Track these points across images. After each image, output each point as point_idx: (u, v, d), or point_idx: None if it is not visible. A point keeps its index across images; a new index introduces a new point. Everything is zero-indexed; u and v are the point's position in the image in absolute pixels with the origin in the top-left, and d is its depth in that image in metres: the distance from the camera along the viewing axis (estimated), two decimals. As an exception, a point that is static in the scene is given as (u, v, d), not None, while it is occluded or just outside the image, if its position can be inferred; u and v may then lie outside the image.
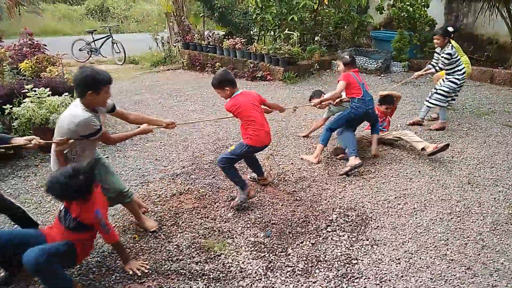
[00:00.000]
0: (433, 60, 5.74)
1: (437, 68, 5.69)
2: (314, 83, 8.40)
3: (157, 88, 7.75)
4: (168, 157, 4.58)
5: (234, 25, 9.82)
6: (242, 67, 8.75)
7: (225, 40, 9.41)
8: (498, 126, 5.97)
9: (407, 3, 8.66)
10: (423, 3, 8.69)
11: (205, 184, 4.07)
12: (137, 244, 3.10)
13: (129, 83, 8.18)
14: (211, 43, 9.38)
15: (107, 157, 4.53)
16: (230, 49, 9.03)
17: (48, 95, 4.58)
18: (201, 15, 10.12)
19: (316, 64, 8.88)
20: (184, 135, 5.30)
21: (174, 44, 10.39)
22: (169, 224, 3.39)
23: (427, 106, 5.81)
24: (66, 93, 4.69)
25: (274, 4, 8.86)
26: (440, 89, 5.63)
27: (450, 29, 5.42)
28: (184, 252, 3.05)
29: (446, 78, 5.63)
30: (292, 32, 8.83)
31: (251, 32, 10.25)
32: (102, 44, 11.28)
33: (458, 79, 5.54)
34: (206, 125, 5.72)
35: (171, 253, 3.02)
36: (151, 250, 3.04)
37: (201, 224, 3.40)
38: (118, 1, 18.93)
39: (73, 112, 2.69)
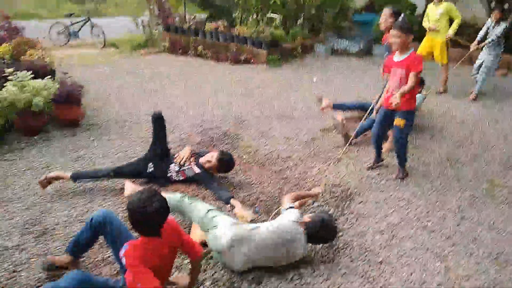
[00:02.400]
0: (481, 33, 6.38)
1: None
2: (298, 66, 8.46)
3: (138, 72, 7.65)
4: (154, 139, 4.58)
5: (216, 7, 9.73)
6: (225, 51, 8.71)
7: (207, 23, 9.32)
8: (477, 105, 6.18)
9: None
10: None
11: (192, 164, 4.10)
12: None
13: (110, 68, 8.03)
14: (192, 27, 9.28)
15: (93, 140, 4.50)
16: (212, 32, 8.96)
17: (30, 79, 4.50)
18: (182, -3, 9.98)
19: (299, 47, 8.91)
20: (169, 118, 5.26)
21: (155, 28, 10.23)
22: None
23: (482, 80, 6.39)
24: (48, 77, 4.62)
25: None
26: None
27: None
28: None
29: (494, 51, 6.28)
30: (274, 15, 8.82)
31: (234, 14, 10.18)
32: (80, 28, 10.98)
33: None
34: (191, 108, 5.72)
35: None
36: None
37: (191, 203, 3.45)
38: (95, -16, 18.37)
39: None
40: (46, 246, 2.79)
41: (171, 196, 2.86)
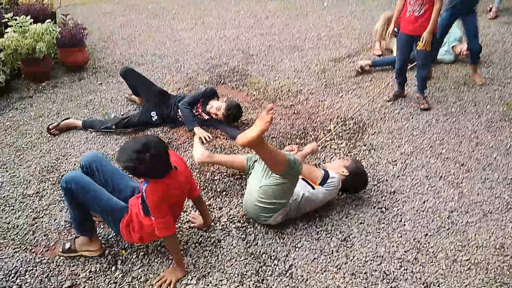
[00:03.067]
0: None
1: None
2: (306, -9, 7.97)
3: (141, 8, 7.35)
4: (162, 80, 4.50)
5: None
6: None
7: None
8: (497, 24, 5.82)
9: None
10: None
11: (202, 103, 4.06)
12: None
13: (111, 5, 7.72)
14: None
15: (100, 83, 4.46)
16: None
17: (31, 23, 4.36)
18: None
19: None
20: (175, 56, 5.16)
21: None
22: (172, 145, 3.45)
23: None
24: (48, 20, 4.47)
25: None
26: None
27: None
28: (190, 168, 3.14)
29: None
30: None
31: None
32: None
33: None
34: (197, 44, 5.55)
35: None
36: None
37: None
38: None
39: None
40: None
41: None
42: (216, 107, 3.51)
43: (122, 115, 3.81)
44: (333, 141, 3.45)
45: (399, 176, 3.00)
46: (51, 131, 3.51)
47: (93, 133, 3.55)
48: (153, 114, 3.61)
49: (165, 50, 5.36)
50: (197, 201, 2.48)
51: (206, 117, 3.59)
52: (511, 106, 3.79)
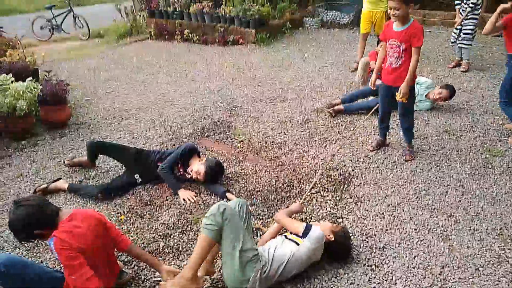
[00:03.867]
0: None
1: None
2: (288, 43, 8.24)
3: (126, 62, 7.46)
4: (145, 134, 4.47)
5: (199, -13, 9.39)
6: (212, 32, 8.48)
7: (191, 4, 9.04)
8: (471, 71, 6.03)
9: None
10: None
11: (186, 158, 4.00)
12: (123, 226, 3.06)
13: (97, 59, 7.84)
14: (177, 9, 8.99)
15: (82, 140, 4.39)
16: (198, 14, 8.70)
17: (12, 82, 4.35)
18: (164, -20, 9.62)
19: (288, 23, 8.68)
20: (159, 109, 5.17)
21: (139, 13, 9.95)
22: (154, 203, 3.35)
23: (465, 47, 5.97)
24: (30, 78, 4.47)
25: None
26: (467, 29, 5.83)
27: None
28: (172, 228, 3.03)
29: (468, 18, 5.78)
30: (260, -9, 8.54)
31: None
32: (63, 20, 10.69)
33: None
34: (181, 97, 5.58)
35: (159, 231, 3.00)
36: (138, 230, 3.02)
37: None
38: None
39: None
40: (39, 260, 2.74)
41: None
42: (196, 171, 3.44)
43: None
44: (319, 193, 3.40)
45: (387, 229, 2.93)
46: (37, 194, 3.37)
47: (72, 198, 3.44)
48: (137, 176, 3.53)
49: (149, 104, 5.37)
50: (131, 253, 2.48)
51: (189, 176, 3.53)
52: (493, 152, 3.83)
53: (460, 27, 5.91)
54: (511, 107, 3.99)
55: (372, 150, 3.99)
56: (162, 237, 2.94)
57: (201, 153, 3.76)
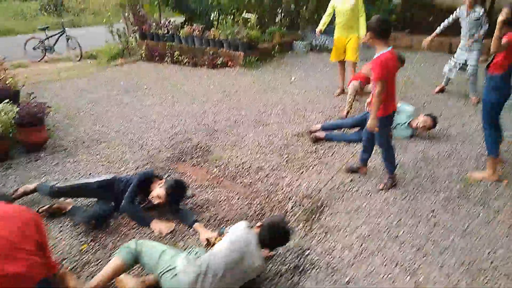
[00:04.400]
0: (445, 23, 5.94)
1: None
2: (276, 66, 8.30)
3: (114, 84, 7.48)
4: (121, 159, 4.43)
5: (191, 11, 9.54)
6: (202, 55, 8.55)
7: (183, 27, 9.14)
8: (454, 97, 6.05)
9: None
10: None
11: (158, 184, 3.95)
12: (83, 256, 2.99)
13: (86, 81, 7.86)
14: (168, 32, 9.09)
15: (56, 164, 4.35)
16: (188, 37, 8.79)
17: (-11, 104, 4.34)
18: (156, 3, 9.78)
19: (277, 46, 8.76)
20: (139, 132, 5.15)
21: (131, 35, 10.05)
22: (120, 231, 3.29)
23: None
24: (6, 100, 4.46)
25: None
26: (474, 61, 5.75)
27: None
28: (135, 259, 2.96)
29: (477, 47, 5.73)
30: (249, 15, 8.65)
31: (211, 17, 9.99)
32: (56, 41, 10.78)
33: None
34: (164, 120, 5.57)
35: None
36: (99, 261, 2.94)
37: (153, 228, 3.32)
38: (73, -7, 18.13)
39: (263, 263, 2.60)
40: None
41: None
42: (156, 195, 3.34)
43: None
44: (289, 223, 3.33)
45: (354, 263, 2.86)
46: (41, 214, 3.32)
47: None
48: (111, 205, 3.45)
49: (130, 127, 5.35)
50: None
51: (156, 201, 3.46)
52: (468, 182, 3.78)
53: (462, 60, 5.82)
54: (492, 130, 3.79)
55: (348, 171, 3.94)
56: (123, 268, 2.86)
57: (161, 175, 3.69)
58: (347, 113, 5.41)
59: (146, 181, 3.44)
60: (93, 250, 3.07)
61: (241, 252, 2.49)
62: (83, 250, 3.05)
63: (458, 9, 5.75)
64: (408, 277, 2.71)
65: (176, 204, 3.41)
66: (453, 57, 5.95)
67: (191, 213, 3.41)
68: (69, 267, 2.86)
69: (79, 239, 3.19)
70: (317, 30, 6.23)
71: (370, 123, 3.40)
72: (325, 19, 6.04)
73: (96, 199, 3.53)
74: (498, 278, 2.67)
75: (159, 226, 3.26)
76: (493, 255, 2.88)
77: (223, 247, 2.51)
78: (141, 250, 2.48)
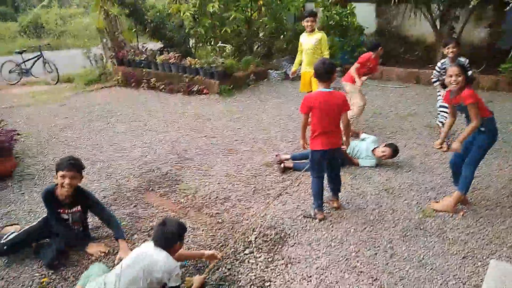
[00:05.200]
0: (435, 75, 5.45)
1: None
2: (250, 94, 8.47)
3: (87, 110, 7.50)
4: (89, 188, 4.42)
5: (168, 39, 9.71)
6: (178, 82, 8.67)
7: (161, 53, 9.29)
8: (420, 127, 6.29)
9: (334, 12, 8.93)
10: (348, 12, 9.00)
11: (124, 214, 3.96)
12: (43, 290, 2.97)
13: (59, 106, 7.86)
14: (144, 59, 9.21)
15: (23, 193, 4.32)
16: (165, 64, 8.92)
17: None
18: (133, 30, 9.92)
19: (252, 75, 8.96)
20: (109, 161, 5.16)
21: (109, 61, 10.13)
22: (81, 263, 3.28)
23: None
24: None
25: (207, 17, 8.87)
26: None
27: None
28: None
29: None
30: (225, 45, 8.87)
31: (189, 45, 10.19)
32: (33, 65, 10.78)
33: None
34: (134, 148, 5.61)
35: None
36: (58, 294, 2.93)
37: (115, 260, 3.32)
38: (53, 16, 18.17)
39: (168, 262, 2.69)
40: None
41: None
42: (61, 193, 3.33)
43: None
44: (252, 254, 3.39)
45: (311, 294, 2.93)
46: None
47: None
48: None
49: (100, 155, 5.37)
50: None
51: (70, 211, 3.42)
52: (426, 213, 3.93)
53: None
54: (474, 171, 3.81)
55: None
56: (81, 302, 2.85)
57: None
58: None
59: (50, 200, 3.35)
60: (54, 283, 3.05)
61: (140, 266, 2.64)
62: (43, 282, 3.02)
63: (440, 63, 5.42)
64: (363, 309, 2.79)
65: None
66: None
67: (121, 228, 3.52)
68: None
69: (40, 272, 3.17)
70: (291, 72, 6.46)
71: (301, 142, 3.90)
72: (298, 58, 6.24)
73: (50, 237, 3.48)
74: (448, 309, 2.78)
75: (94, 249, 3.38)
76: (445, 286, 2.99)
77: (124, 264, 2.69)
78: (90, 271, 2.89)
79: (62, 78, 10.45)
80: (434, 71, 5.49)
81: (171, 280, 2.67)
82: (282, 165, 4.89)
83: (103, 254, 3.36)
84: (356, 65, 5.84)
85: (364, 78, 5.90)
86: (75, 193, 3.38)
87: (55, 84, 10.33)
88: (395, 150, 4.84)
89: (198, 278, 3.01)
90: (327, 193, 4.05)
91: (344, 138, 3.86)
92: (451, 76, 3.55)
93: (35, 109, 7.63)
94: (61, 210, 3.40)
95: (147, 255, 2.69)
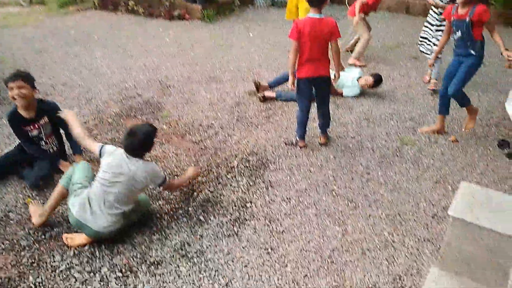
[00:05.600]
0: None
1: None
2: (235, 21, 8.16)
3: (63, 34, 7.13)
4: (69, 113, 4.36)
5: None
6: (158, 5, 8.22)
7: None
8: (405, 59, 6.25)
9: None
10: None
11: (106, 139, 3.95)
12: (28, 209, 3.02)
13: (33, 29, 7.44)
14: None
15: (0, 118, 4.23)
16: (144, -14, 8.38)
17: None
18: None
19: (237, 0, 8.55)
20: (88, 85, 5.03)
21: (84, -19, 9.45)
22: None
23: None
24: None
25: None
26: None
27: None
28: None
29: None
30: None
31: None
32: (0, -17, 10.00)
33: None
34: (114, 73, 5.45)
35: (65, 216, 2.99)
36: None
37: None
38: None
39: (148, 166, 2.79)
40: None
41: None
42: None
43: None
44: (234, 178, 3.48)
45: (290, 214, 3.07)
46: None
47: None
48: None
49: (78, 80, 5.22)
50: None
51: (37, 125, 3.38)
52: (404, 141, 4.04)
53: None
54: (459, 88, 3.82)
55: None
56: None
57: None
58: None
59: (15, 121, 3.33)
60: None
61: (116, 170, 2.70)
62: (28, 202, 3.08)
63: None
64: (338, 226, 2.96)
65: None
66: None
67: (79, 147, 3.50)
68: (15, 220, 2.92)
69: (24, 193, 3.22)
70: None
71: (289, 79, 3.67)
72: None
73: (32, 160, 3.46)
74: (416, 228, 2.97)
75: (67, 167, 3.31)
76: (416, 208, 3.17)
77: (98, 174, 2.77)
78: (73, 172, 2.88)
79: (34, -1, 9.79)
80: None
81: (155, 180, 2.82)
82: (261, 93, 4.84)
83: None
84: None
85: (362, 15, 5.72)
86: (38, 106, 3.36)
87: (28, 5, 9.68)
88: (378, 79, 4.84)
89: (192, 168, 3.26)
90: (316, 124, 4.07)
91: (335, 68, 3.73)
92: None
93: (9, 32, 7.22)
94: (31, 128, 3.36)
95: (125, 170, 2.69)
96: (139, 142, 2.73)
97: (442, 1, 4.76)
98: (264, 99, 4.81)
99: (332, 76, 3.76)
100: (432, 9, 5.05)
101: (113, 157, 2.76)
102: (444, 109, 4.07)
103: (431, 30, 5.01)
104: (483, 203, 2.17)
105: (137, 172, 2.70)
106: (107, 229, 2.65)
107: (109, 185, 2.68)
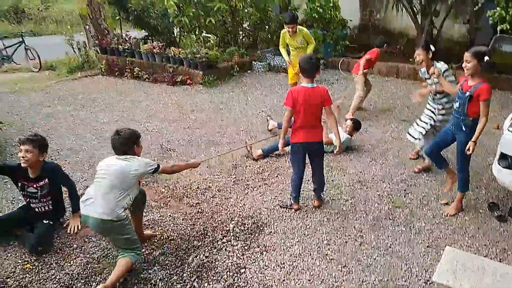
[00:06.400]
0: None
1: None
2: (234, 85, 8.57)
3: (70, 99, 7.51)
4: (71, 177, 4.50)
5: (152, 27, 9.70)
6: (162, 72, 8.71)
7: (145, 42, 9.29)
8: (396, 122, 6.50)
9: (317, 5, 9.04)
10: (332, 5, 9.12)
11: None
12: (27, 275, 3.08)
13: (42, 94, 7.84)
14: (128, 48, 9.20)
15: (6, 182, 4.38)
16: (148, 53, 8.93)
17: None
18: (117, 17, 9.87)
19: (236, 66, 9.04)
20: (92, 150, 5.24)
21: (92, 48, 10.07)
22: (64, 251, 3.39)
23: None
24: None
25: (192, 6, 8.87)
26: None
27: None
28: (76, 278, 3.08)
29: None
30: (209, 35, 8.91)
31: (173, 34, 10.19)
32: (14, 51, 10.68)
33: None
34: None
35: (61, 281, 3.04)
36: (41, 281, 3.04)
37: (96, 247, 3.44)
38: (35, 0, 17.81)
39: (138, 158, 3.16)
40: None
41: None
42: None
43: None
44: (229, 242, 3.55)
45: (284, 280, 3.11)
46: None
47: None
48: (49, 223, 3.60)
49: (83, 145, 5.44)
50: None
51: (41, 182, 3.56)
52: (396, 203, 4.15)
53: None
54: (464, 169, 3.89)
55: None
56: (63, 288, 2.98)
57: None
58: None
59: (14, 170, 3.63)
60: (37, 270, 3.17)
61: (108, 164, 3.09)
62: (27, 269, 3.14)
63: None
64: (331, 293, 2.99)
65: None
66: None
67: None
68: (13, 286, 2.97)
69: (23, 259, 3.28)
70: (287, 62, 6.37)
71: (280, 142, 3.97)
72: (284, 49, 6.33)
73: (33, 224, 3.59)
74: (409, 293, 3.00)
75: (73, 222, 3.70)
76: (409, 273, 3.21)
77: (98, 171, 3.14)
78: None
79: (44, 65, 10.37)
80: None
81: (148, 168, 3.11)
82: (250, 152, 5.15)
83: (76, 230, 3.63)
84: (367, 56, 6.36)
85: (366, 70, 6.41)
86: (41, 168, 3.57)
87: (38, 71, 10.24)
88: (357, 124, 5.39)
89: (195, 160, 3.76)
90: (310, 186, 4.20)
91: (333, 131, 3.89)
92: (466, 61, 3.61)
93: (17, 97, 7.60)
94: (31, 185, 3.55)
95: (116, 163, 3.05)
96: (124, 139, 3.11)
97: (423, 76, 4.59)
98: (257, 158, 5.07)
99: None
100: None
101: (106, 159, 3.17)
102: (440, 163, 4.13)
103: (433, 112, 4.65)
104: (466, 268, 2.25)
105: (129, 163, 3.05)
106: (109, 216, 2.91)
107: (103, 177, 3.03)
